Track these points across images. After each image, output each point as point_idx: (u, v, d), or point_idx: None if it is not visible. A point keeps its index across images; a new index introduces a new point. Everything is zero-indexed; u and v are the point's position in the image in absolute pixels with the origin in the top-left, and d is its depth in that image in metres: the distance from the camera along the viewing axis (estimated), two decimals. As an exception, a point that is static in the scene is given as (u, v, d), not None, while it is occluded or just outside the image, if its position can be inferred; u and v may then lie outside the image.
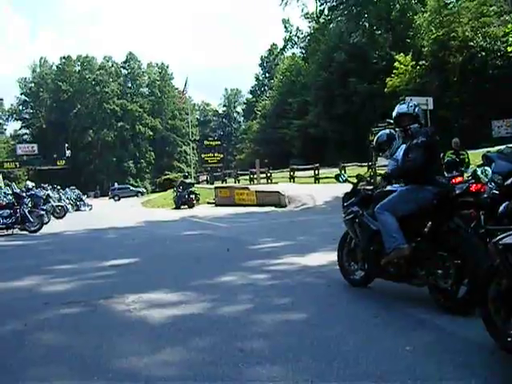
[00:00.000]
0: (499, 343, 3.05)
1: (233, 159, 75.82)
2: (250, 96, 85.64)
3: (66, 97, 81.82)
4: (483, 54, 32.29)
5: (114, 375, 3.10)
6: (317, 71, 47.58)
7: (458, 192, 4.45)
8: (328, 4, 48.25)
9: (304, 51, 64.26)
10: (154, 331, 3.99)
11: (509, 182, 4.29)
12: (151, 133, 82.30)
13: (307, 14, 56.11)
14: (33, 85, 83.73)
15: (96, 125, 79.69)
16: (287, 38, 71.90)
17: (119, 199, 49.26)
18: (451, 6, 35.61)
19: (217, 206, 22.31)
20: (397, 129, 4.89)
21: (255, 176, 30.04)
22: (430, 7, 35.51)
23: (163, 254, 8.48)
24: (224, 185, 30.81)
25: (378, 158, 15.91)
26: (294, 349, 3.37)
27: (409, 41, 39.78)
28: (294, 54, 68.14)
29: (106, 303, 4.98)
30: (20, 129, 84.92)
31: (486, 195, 4.55)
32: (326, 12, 49.03)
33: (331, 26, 48.90)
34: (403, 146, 4.90)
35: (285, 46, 73.33)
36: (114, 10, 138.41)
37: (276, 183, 26.40)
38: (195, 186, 26.78)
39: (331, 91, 43.41)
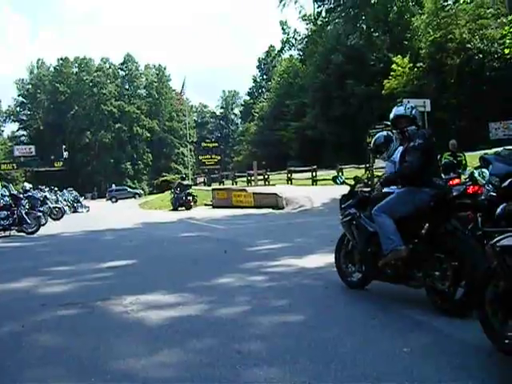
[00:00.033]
0: (496, 345, 3.06)
1: (230, 161, 75.86)
2: (248, 98, 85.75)
3: (64, 98, 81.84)
4: (480, 56, 32.44)
5: (112, 377, 3.10)
6: (314, 73, 47.65)
7: (455, 194, 4.47)
8: (325, 6, 48.03)
9: (301, 53, 64.29)
10: (151, 333, 3.98)
11: (506, 183, 4.28)
12: (149, 134, 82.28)
13: (305, 15, 55.89)
14: (30, 86, 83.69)
15: (93, 126, 79.65)
16: (285, 39, 72.14)
17: (116, 201, 49.25)
18: (448, 8, 35.64)
19: (214, 207, 22.29)
20: (394, 131, 4.89)
21: (253, 178, 30.04)
22: (428, 9, 35.70)
23: (160, 256, 8.48)
24: (221, 187, 30.73)
25: (376, 160, 15.98)
26: (292, 350, 3.38)
27: (406, 43, 39.92)
28: (291, 55, 68.32)
29: (103, 305, 4.98)
30: (17, 130, 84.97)
31: (483, 197, 4.57)
32: (323, 14, 48.73)
33: (329, 27, 48.71)
34: (400, 148, 4.91)
35: (282, 48, 73.59)
36: (113, 9, 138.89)
37: (273, 185, 26.36)
38: (192, 187, 26.72)
39: (329, 93, 43.48)
